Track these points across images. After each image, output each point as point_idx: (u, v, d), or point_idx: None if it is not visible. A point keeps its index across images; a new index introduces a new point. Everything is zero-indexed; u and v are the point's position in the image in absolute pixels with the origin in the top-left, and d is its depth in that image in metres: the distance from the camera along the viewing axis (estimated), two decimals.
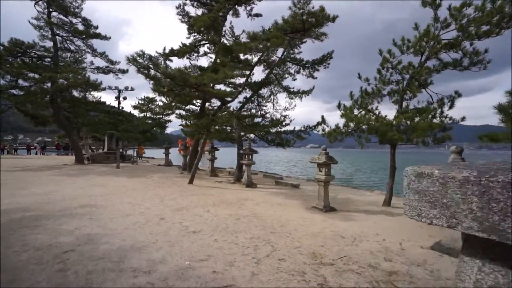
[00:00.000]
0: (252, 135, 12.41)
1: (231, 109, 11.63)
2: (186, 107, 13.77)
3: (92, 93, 17.64)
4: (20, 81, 15.06)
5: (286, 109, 13.82)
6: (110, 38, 17.85)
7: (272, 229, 4.88)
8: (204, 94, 9.49)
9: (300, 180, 15.69)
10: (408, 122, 6.87)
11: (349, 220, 5.86)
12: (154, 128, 27.21)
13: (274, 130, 11.76)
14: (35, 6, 16.18)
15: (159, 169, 15.24)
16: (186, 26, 12.08)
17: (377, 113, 7.73)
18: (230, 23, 10.85)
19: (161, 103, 29.22)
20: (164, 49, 11.12)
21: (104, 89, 16.08)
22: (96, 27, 16.83)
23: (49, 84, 14.66)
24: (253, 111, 12.76)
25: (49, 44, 16.20)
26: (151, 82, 8.17)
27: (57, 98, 15.90)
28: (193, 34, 12.75)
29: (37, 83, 14.60)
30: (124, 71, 18.37)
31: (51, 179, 9.86)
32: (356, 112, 7.79)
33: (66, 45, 17.03)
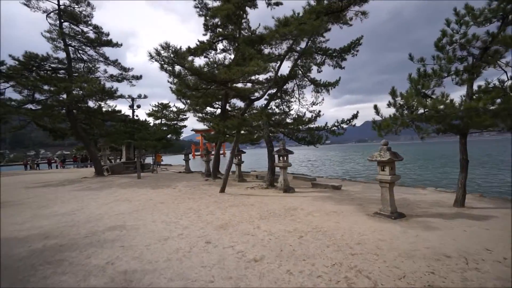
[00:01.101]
0: (281, 134, 11.37)
1: (258, 107, 10.66)
2: (204, 110, 12.92)
3: (107, 102, 17.19)
4: (37, 95, 14.74)
5: (313, 104, 12.71)
6: (121, 45, 17.37)
7: (350, 249, 3.82)
8: (229, 92, 8.57)
9: (331, 179, 14.50)
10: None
11: (432, 230, 4.70)
12: (169, 135, 26.73)
13: (306, 127, 10.65)
14: (46, 19, 15.90)
15: (181, 177, 14.45)
16: (203, 23, 11.23)
17: (436, 97, 6.50)
18: (246, 16, 9.88)
19: (175, 109, 28.85)
20: (180, 48, 10.28)
21: (119, 96, 15.53)
22: (107, 34, 16.36)
23: (64, 96, 14.24)
24: (281, 108, 11.69)
25: (62, 55, 15.88)
26: (173, 83, 7.35)
27: (73, 109, 15.51)
28: (210, 31, 11.88)
29: (52, 95, 14.20)
30: (138, 78, 17.86)
31: (73, 195, 9.21)
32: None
33: (78, 55, 16.65)
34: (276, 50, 10.86)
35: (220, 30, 11.85)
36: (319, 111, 10.76)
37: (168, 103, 28.67)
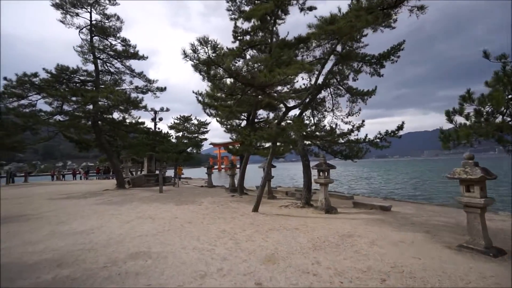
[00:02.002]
0: (315, 147, 10.30)
1: (290, 117, 9.78)
2: (233, 121, 12.24)
3: (131, 114, 17.13)
4: (65, 106, 14.91)
5: (349, 114, 11.63)
6: (147, 57, 17.52)
7: None
8: (262, 100, 7.79)
9: (369, 197, 13.09)
10: None
11: None
12: (190, 148, 26.48)
13: (345, 139, 9.53)
14: (79, 34, 16.38)
15: (205, 192, 13.62)
16: (232, 30, 10.78)
17: None
18: (285, 15, 9.26)
19: (196, 122, 28.73)
20: (209, 56, 9.79)
21: (144, 107, 15.36)
22: (135, 47, 16.55)
23: (91, 106, 14.25)
24: (315, 118, 10.74)
25: (90, 68, 16.18)
26: (199, 94, 6.69)
27: (98, 120, 15.50)
28: (238, 39, 11.41)
29: (80, 106, 14.27)
30: (162, 89, 17.77)
31: (93, 210, 8.59)
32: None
33: (106, 67, 16.92)
34: (308, 57, 10.10)
35: (249, 37, 11.35)
36: (363, 121, 9.65)
37: (189, 116, 28.72)
